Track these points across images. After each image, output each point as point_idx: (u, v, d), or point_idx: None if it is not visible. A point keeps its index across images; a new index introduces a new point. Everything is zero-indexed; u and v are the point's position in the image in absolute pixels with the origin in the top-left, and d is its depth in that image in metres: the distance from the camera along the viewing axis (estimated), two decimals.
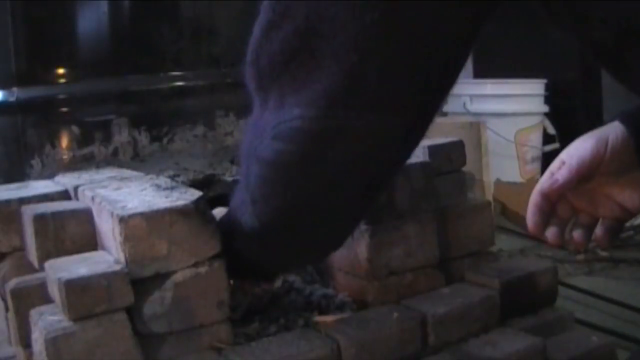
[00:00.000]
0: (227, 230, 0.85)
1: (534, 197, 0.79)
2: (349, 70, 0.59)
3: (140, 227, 0.83)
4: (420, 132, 0.68)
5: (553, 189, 0.77)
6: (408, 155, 0.73)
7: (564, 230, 0.80)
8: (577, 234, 0.80)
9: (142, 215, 0.84)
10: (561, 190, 0.77)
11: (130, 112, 1.27)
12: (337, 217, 0.75)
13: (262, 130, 0.68)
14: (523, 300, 1.10)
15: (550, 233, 0.79)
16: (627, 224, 2.08)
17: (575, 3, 0.58)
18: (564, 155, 0.79)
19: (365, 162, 0.67)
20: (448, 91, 0.66)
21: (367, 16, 0.57)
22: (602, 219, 0.80)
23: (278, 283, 1.09)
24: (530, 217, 0.79)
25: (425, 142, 1.11)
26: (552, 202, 0.79)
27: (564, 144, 0.82)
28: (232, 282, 0.94)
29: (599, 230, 0.80)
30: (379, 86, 0.60)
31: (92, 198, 0.95)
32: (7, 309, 0.98)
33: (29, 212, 0.95)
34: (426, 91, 0.63)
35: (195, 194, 0.91)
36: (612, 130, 0.76)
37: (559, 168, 0.78)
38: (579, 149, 0.77)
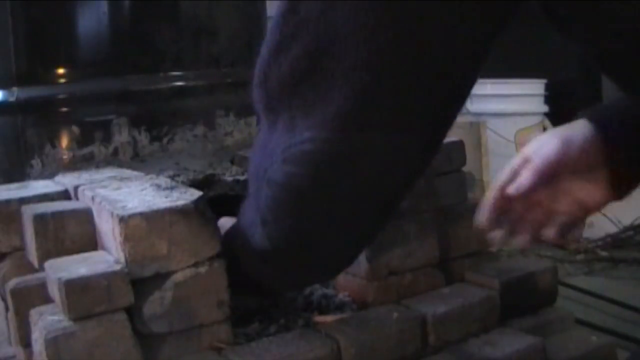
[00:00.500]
0: (234, 247, 0.85)
1: (495, 194, 0.78)
2: (362, 91, 0.58)
3: (140, 227, 0.83)
4: (435, 148, 0.67)
5: (519, 192, 0.76)
6: (423, 171, 0.71)
7: (515, 228, 0.79)
8: (524, 231, 0.79)
9: (142, 215, 0.84)
10: (526, 194, 0.77)
11: (130, 112, 1.27)
12: (350, 237, 0.74)
13: (271, 153, 0.67)
14: (523, 300, 1.10)
15: (499, 234, 0.78)
16: (627, 224, 2.09)
17: (588, 14, 0.57)
18: (528, 151, 0.77)
19: (380, 182, 0.66)
20: (461, 106, 0.65)
21: (381, 36, 0.56)
22: (554, 217, 0.79)
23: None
24: (486, 213, 0.78)
25: None
26: (511, 200, 0.78)
27: None
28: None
29: (550, 228, 0.79)
30: (393, 106, 0.60)
31: (92, 198, 0.95)
32: (7, 309, 0.98)
33: (29, 212, 0.95)
34: (440, 108, 0.63)
35: (195, 194, 0.91)
36: (579, 129, 0.75)
37: (523, 166, 0.76)
38: (543, 148, 0.75)
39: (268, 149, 0.68)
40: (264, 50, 0.64)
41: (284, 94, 0.63)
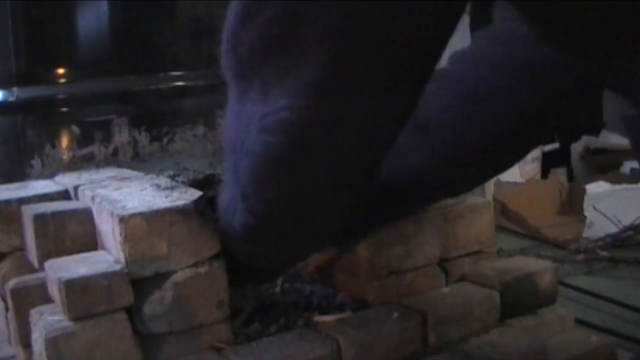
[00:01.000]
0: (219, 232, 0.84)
1: None
2: (337, 56, 0.56)
3: (140, 227, 0.83)
4: (411, 108, 0.66)
5: None
6: (398, 134, 0.70)
7: None
8: None
9: (142, 215, 0.84)
10: None
11: (130, 112, 1.27)
12: (333, 202, 0.74)
13: (247, 123, 0.65)
14: (523, 300, 1.10)
15: None
16: (627, 224, 2.09)
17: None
18: None
19: (360, 145, 0.65)
20: (436, 63, 0.63)
21: None
22: None
23: (278, 283, 1.09)
24: None
25: None
26: None
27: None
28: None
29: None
30: (369, 69, 0.58)
31: (92, 198, 0.95)
32: (7, 309, 0.98)
33: (29, 212, 0.95)
34: (417, 68, 0.61)
35: (195, 194, 0.91)
36: None
37: None
38: None
39: (242, 119, 0.66)
40: (231, 14, 0.61)
41: (255, 60, 0.60)
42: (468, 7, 0.64)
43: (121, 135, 1.26)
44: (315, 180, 0.68)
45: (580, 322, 1.30)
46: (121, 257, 0.84)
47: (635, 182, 2.28)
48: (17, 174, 1.24)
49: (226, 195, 0.78)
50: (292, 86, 0.59)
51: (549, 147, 2.78)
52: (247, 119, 0.65)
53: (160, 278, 0.85)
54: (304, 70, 0.58)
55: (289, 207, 0.71)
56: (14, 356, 0.98)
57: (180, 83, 1.33)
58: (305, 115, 0.60)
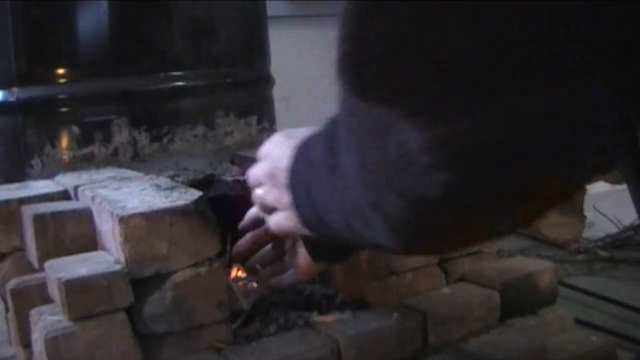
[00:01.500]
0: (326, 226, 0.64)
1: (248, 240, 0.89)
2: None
3: (140, 227, 0.83)
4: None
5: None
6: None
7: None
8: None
9: (142, 215, 0.84)
10: None
11: (130, 112, 1.27)
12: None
13: (397, 151, 0.46)
14: (523, 300, 1.10)
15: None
16: (627, 224, 2.09)
17: None
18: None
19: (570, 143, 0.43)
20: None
21: None
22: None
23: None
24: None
25: None
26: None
27: None
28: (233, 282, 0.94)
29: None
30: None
31: (92, 198, 0.95)
32: (7, 309, 0.98)
33: (29, 212, 0.95)
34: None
35: (195, 194, 0.91)
36: None
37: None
38: None
39: (390, 143, 0.46)
40: (348, 15, 0.41)
41: (397, 82, 0.41)
42: None
43: (121, 135, 1.26)
44: (498, 209, 0.49)
45: (580, 322, 1.30)
46: (121, 257, 0.84)
47: None
48: (17, 174, 1.24)
49: (352, 205, 0.58)
50: (466, 103, 0.41)
51: None
52: (395, 145, 0.46)
53: (160, 278, 0.85)
54: (475, 83, 0.40)
55: (454, 236, 0.56)
56: (14, 356, 0.98)
57: (180, 83, 1.33)
58: (499, 132, 0.41)
